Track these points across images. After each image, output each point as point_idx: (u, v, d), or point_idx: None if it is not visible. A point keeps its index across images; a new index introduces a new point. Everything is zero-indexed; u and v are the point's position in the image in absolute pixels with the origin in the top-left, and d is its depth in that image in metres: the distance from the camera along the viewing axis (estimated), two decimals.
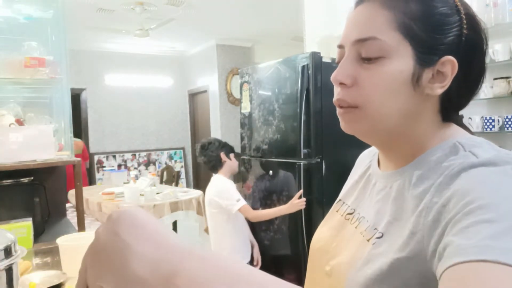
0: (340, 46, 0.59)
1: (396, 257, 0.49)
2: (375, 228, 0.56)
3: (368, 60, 0.54)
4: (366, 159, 0.72)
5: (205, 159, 2.48)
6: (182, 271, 0.29)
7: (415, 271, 0.47)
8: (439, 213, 0.46)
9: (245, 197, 2.81)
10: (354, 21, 0.57)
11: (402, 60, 0.53)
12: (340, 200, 0.73)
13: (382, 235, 0.54)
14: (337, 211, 0.70)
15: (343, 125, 0.59)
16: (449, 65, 0.53)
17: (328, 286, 0.61)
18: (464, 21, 0.53)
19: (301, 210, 2.26)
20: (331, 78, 0.57)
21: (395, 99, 0.54)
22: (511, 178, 0.44)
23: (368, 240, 0.56)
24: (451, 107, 0.57)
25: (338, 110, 0.59)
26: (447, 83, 0.54)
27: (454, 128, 0.58)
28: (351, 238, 0.61)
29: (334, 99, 0.58)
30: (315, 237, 0.70)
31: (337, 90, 0.58)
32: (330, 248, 0.64)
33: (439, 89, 0.54)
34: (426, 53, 0.53)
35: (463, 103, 0.58)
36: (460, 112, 0.60)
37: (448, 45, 0.53)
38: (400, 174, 0.57)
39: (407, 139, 0.57)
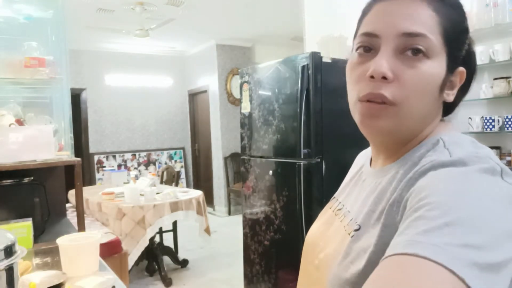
0: (372, 35, 0.55)
1: (372, 250, 0.51)
2: (356, 221, 0.58)
3: (409, 57, 0.53)
4: (362, 159, 0.74)
5: None
6: None
7: None
8: (404, 208, 0.48)
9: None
10: (400, 12, 0.54)
11: (440, 63, 0.54)
12: (334, 197, 0.76)
13: (360, 227, 0.56)
14: (330, 208, 0.73)
15: (367, 121, 0.55)
16: (459, 75, 0.57)
17: (316, 279, 0.63)
18: (470, 37, 0.59)
19: (301, 210, 2.27)
20: (372, 71, 0.53)
21: (426, 101, 0.55)
22: (469, 179, 0.45)
23: (348, 234, 0.57)
24: (449, 109, 0.62)
25: (365, 105, 0.55)
26: (455, 91, 0.58)
27: (442, 124, 0.60)
28: (336, 232, 0.63)
29: (366, 92, 0.54)
30: (309, 232, 0.73)
31: (369, 84, 0.54)
32: (320, 242, 0.66)
33: (451, 96, 0.57)
34: (453, 62, 0.56)
35: (453, 109, 0.63)
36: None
37: (462, 58, 0.57)
38: (387, 170, 0.59)
39: (410, 139, 0.58)
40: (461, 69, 0.57)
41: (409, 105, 0.53)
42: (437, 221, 0.39)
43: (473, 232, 0.38)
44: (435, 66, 0.53)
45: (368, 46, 0.56)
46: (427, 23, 0.53)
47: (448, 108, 0.61)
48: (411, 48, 0.53)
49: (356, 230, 0.56)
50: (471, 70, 0.60)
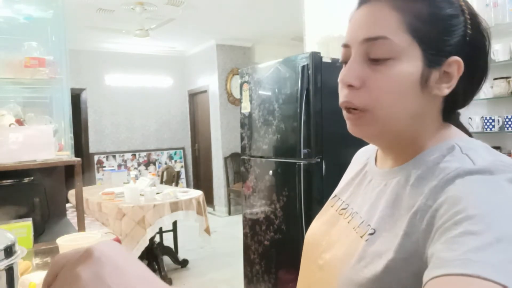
0: (346, 46, 0.57)
1: (392, 257, 0.50)
2: (368, 224, 0.57)
3: (376, 61, 0.53)
4: (363, 157, 0.73)
5: None
6: None
7: (410, 271, 0.48)
8: (432, 217, 0.47)
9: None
10: (362, 20, 0.55)
11: (411, 62, 0.53)
12: (335, 196, 0.74)
13: (375, 231, 0.55)
14: (332, 207, 0.71)
15: (351, 128, 0.58)
16: (455, 65, 0.54)
17: (319, 279, 0.62)
18: (468, 21, 0.54)
19: (301, 210, 2.26)
20: (339, 80, 0.55)
21: (404, 101, 0.54)
22: (503, 189, 0.45)
23: (361, 237, 0.56)
24: (455, 107, 0.58)
25: (345, 113, 0.57)
26: (454, 83, 0.54)
27: (453, 128, 0.58)
28: (343, 233, 0.62)
29: (341, 101, 0.57)
30: (309, 231, 0.71)
31: (343, 92, 0.56)
32: (323, 242, 0.65)
33: (446, 89, 0.55)
34: (434, 55, 0.53)
35: (466, 103, 0.59)
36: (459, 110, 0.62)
37: (454, 46, 0.54)
38: (397, 172, 0.58)
39: (411, 139, 0.57)
40: (454, 58, 0.53)
41: (383, 109, 0.54)
42: (486, 236, 0.39)
43: None
44: (405, 66, 0.52)
45: (344, 58, 0.58)
46: (387, 25, 0.53)
47: (457, 108, 0.59)
48: (372, 53, 0.53)
49: (370, 234, 0.55)
50: (475, 57, 0.55)
